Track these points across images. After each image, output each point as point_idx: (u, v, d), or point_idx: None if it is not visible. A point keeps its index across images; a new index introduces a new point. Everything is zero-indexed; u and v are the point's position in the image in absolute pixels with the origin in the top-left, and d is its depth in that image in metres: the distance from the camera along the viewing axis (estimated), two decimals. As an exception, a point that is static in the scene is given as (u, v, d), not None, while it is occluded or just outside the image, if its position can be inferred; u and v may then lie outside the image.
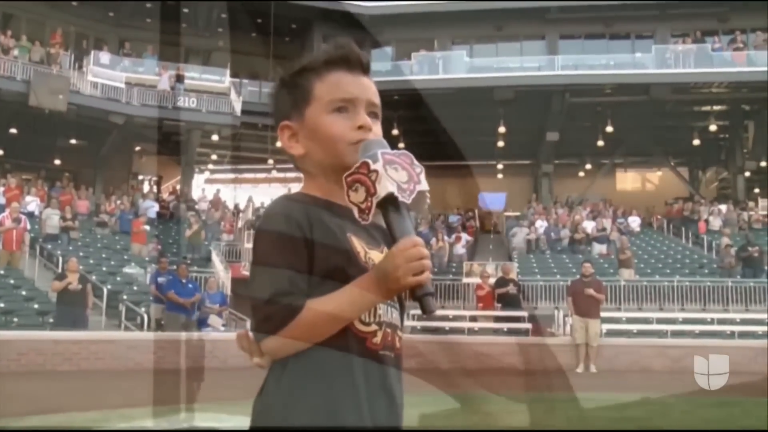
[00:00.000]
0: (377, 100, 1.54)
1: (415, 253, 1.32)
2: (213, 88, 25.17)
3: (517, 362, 13.55)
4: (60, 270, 15.39)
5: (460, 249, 21.79)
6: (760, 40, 24.18)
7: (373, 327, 1.44)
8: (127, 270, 17.93)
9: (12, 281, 15.79)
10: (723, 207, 23.84)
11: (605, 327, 14.59)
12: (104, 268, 17.69)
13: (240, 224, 23.27)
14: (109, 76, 23.85)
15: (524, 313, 16.40)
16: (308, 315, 1.35)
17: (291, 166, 1.62)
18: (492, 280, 16.65)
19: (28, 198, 20.21)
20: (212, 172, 32.60)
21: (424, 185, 1.37)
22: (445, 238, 22.01)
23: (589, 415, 7.99)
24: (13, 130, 23.28)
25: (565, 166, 28.39)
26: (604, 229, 21.83)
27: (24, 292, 15.46)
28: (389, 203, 1.34)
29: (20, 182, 21.49)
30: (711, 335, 15.28)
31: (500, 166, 29.60)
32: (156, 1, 23.80)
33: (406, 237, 1.34)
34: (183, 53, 26.47)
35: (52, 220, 18.72)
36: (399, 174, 1.35)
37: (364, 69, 1.55)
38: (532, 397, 9.64)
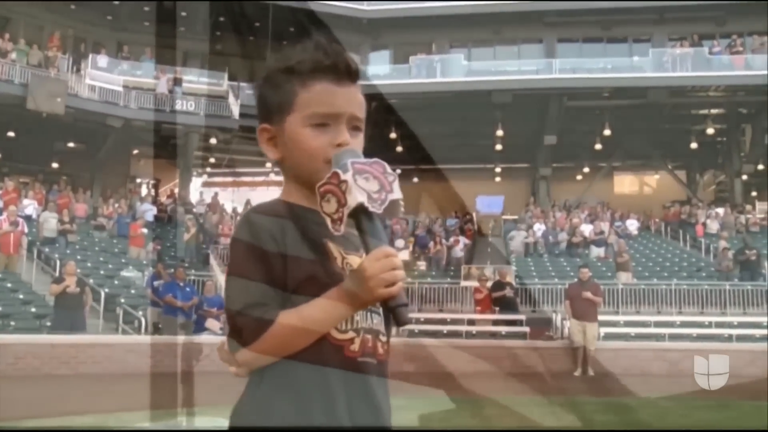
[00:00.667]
0: (361, 113, 1.50)
1: (387, 264, 1.30)
2: (211, 92, 25.18)
3: (515, 366, 13.54)
4: (57, 273, 15.38)
5: (458, 252, 21.78)
6: (758, 43, 24.24)
7: (351, 334, 1.41)
8: (124, 273, 17.92)
9: (9, 285, 15.76)
10: (720, 210, 23.85)
11: (603, 330, 14.59)
12: (102, 272, 17.67)
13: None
14: (106, 80, 23.85)
15: (522, 317, 16.41)
16: (280, 328, 1.34)
17: None
18: (490, 284, 16.66)
19: (25, 201, 20.19)
20: (210, 175, 32.55)
21: (396, 194, 1.34)
22: (443, 241, 22.01)
23: (587, 418, 7.99)
24: (11, 133, 23.27)
25: (563, 169, 28.40)
26: (601, 233, 21.84)
27: (21, 296, 15.44)
28: (361, 213, 1.32)
29: (18, 185, 21.47)
30: (709, 338, 15.29)
31: (498, 170, 29.62)
32: (154, 0, 23.78)
33: (378, 247, 1.32)
34: (181, 56, 26.46)
35: (50, 223, 18.70)
36: (370, 183, 1.33)
37: (352, 77, 1.50)
38: (530, 400, 9.63)
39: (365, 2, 25.71)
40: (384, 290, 1.31)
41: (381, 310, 1.46)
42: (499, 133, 25.28)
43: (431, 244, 21.53)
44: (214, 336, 13.76)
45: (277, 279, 1.37)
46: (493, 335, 15.63)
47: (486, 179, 29.36)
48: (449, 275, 20.55)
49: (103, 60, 24.63)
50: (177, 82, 24.62)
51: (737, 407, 8.05)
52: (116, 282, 17.20)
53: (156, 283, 15.02)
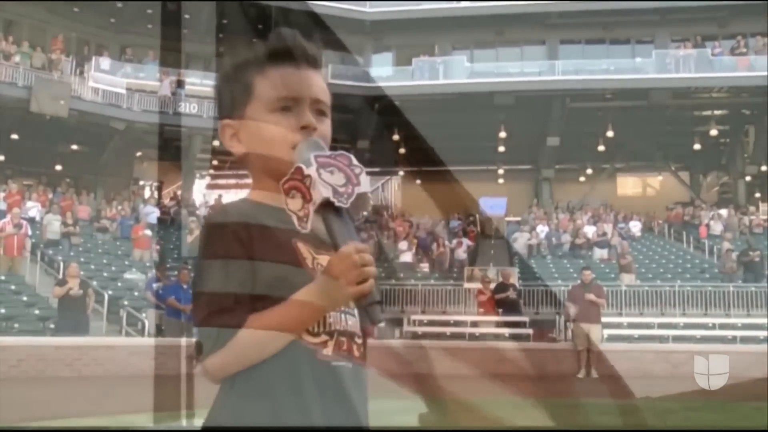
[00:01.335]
0: (325, 96, 1.46)
1: (357, 261, 1.24)
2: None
3: (518, 367, 13.52)
4: (61, 275, 15.38)
5: (461, 254, 21.77)
6: (760, 44, 24.21)
7: (323, 337, 1.35)
8: (128, 276, 17.93)
9: (13, 287, 15.80)
10: (724, 211, 23.81)
11: (606, 332, 14.57)
12: (105, 274, 17.69)
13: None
14: (110, 82, 23.89)
15: (525, 319, 16.40)
16: (247, 334, 1.29)
17: None
18: (493, 286, 16.65)
19: (29, 203, 20.21)
20: (213, 177, 32.58)
21: (364, 186, 1.29)
22: (446, 243, 22.00)
23: (590, 421, 7.97)
24: (15, 136, 23.30)
25: (566, 170, 28.37)
26: (605, 234, 21.81)
27: (25, 298, 15.47)
28: (329, 208, 1.27)
29: (21, 188, 21.51)
30: (712, 340, 15.27)
31: (501, 171, 29.59)
32: (157, 0, 23.80)
33: (347, 244, 1.26)
34: (184, 59, 26.49)
35: (53, 225, 18.73)
36: (335, 177, 1.27)
37: (311, 63, 1.46)
38: (533, 402, 9.62)
39: (368, 4, 25.73)
40: (354, 288, 1.24)
41: (356, 311, 1.38)
42: (502, 134, 25.28)
43: (434, 246, 21.51)
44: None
45: (245, 282, 1.32)
46: (497, 337, 15.61)
47: (489, 181, 29.33)
48: (452, 277, 20.54)
49: (106, 62, 24.68)
50: (180, 84, 24.66)
51: (741, 409, 8.04)
52: (119, 284, 17.22)
53: (155, 285, 15.00)
